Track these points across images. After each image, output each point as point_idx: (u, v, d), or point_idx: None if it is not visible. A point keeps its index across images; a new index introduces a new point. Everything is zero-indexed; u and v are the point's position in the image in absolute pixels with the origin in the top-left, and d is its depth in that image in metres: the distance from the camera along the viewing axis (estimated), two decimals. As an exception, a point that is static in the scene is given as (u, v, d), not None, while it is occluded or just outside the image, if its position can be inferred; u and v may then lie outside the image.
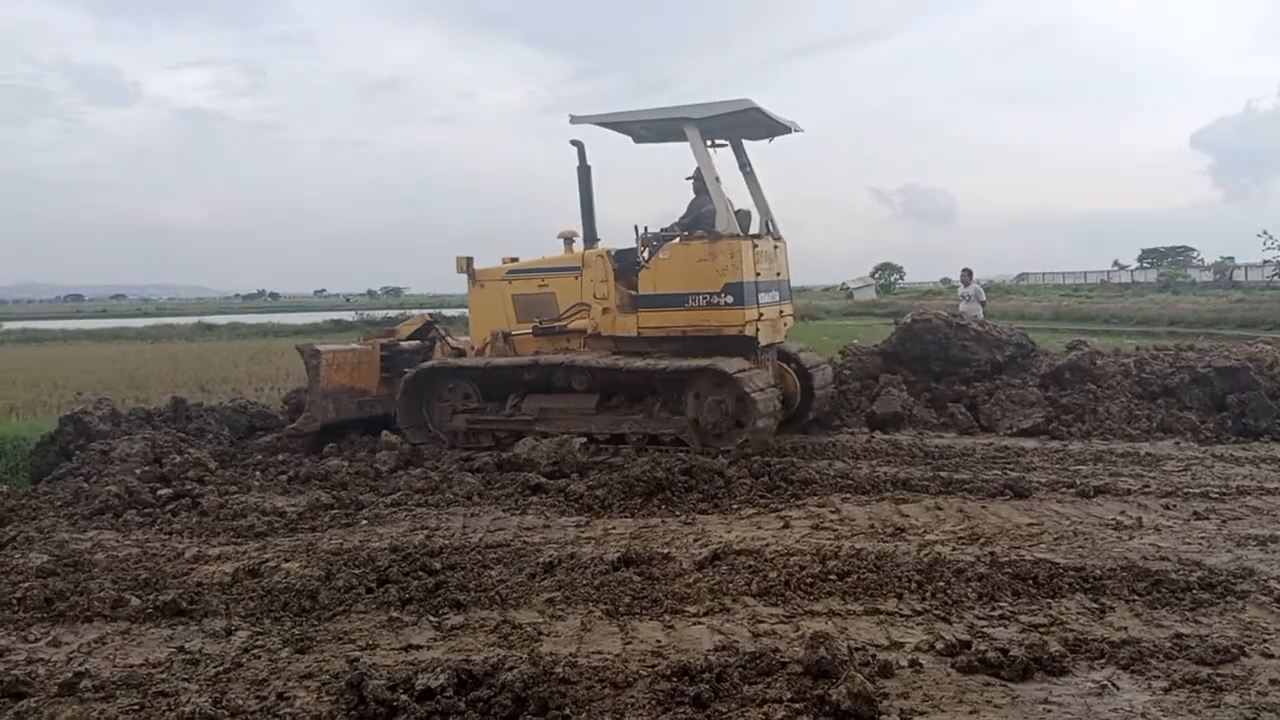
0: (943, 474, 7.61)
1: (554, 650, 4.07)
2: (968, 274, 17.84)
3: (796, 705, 3.45)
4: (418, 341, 10.95)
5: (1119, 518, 6.15)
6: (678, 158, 9.76)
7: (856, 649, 3.94)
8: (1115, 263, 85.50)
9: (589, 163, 9.85)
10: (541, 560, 5.36)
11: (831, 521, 6.27)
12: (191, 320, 49.54)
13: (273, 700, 3.68)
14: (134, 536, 6.42)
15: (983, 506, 6.58)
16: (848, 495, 7.00)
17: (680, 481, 7.20)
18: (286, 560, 5.52)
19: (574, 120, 9.44)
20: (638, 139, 10.05)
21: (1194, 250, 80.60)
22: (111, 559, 5.75)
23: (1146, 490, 6.97)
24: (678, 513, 6.66)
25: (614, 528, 6.31)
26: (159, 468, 8.35)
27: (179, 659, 4.18)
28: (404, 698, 3.53)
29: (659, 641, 4.21)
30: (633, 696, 3.60)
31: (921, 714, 3.46)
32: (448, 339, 10.67)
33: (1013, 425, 9.79)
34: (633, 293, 9.34)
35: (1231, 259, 65.23)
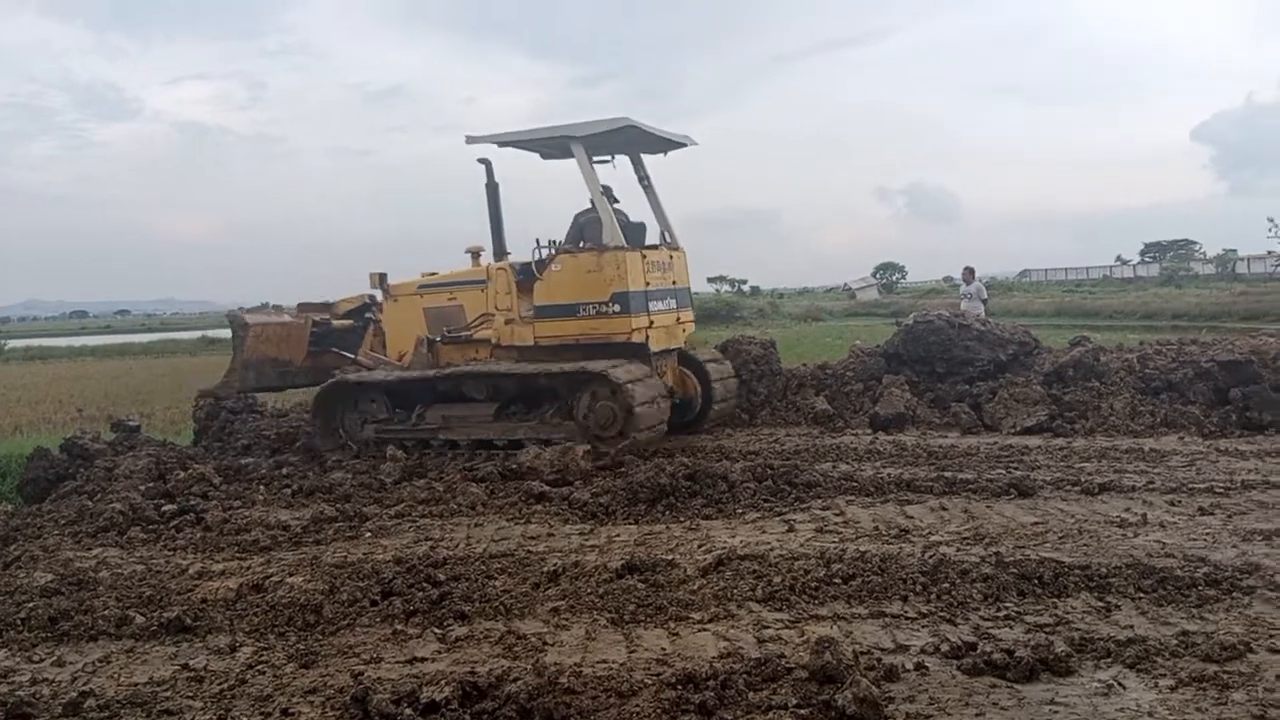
0: (947, 474, 7.59)
1: (559, 660, 4.06)
2: (970, 272, 17.85)
3: (802, 711, 3.44)
4: (350, 321, 11.20)
5: (1124, 515, 6.13)
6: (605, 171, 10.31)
7: (862, 653, 3.93)
8: (1118, 258, 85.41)
9: (497, 179, 10.16)
10: (546, 569, 5.35)
11: (836, 524, 6.26)
12: (195, 335, 49.65)
13: (277, 716, 3.68)
14: (138, 553, 6.42)
15: (987, 506, 6.57)
16: (852, 497, 6.99)
17: (684, 487, 7.19)
18: (290, 575, 5.52)
19: (470, 140, 9.79)
20: (545, 156, 10.42)
21: (1196, 244, 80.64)
22: (116, 577, 5.74)
23: (1151, 487, 6.94)
24: (682, 518, 6.65)
25: (618, 535, 6.30)
26: (163, 484, 8.37)
27: (183, 677, 4.17)
28: (408, 712, 3.52)
29: (664, 649, 4.20)
30: (638, 705, 3.59)
31: (927, 718, 3.45)
32: (382, 323, 10.87)
33: (1016, 424, 9.77)
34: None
35: (1234, 251, 65.20)
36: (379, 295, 10.85)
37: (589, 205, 9.79)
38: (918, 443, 9.25)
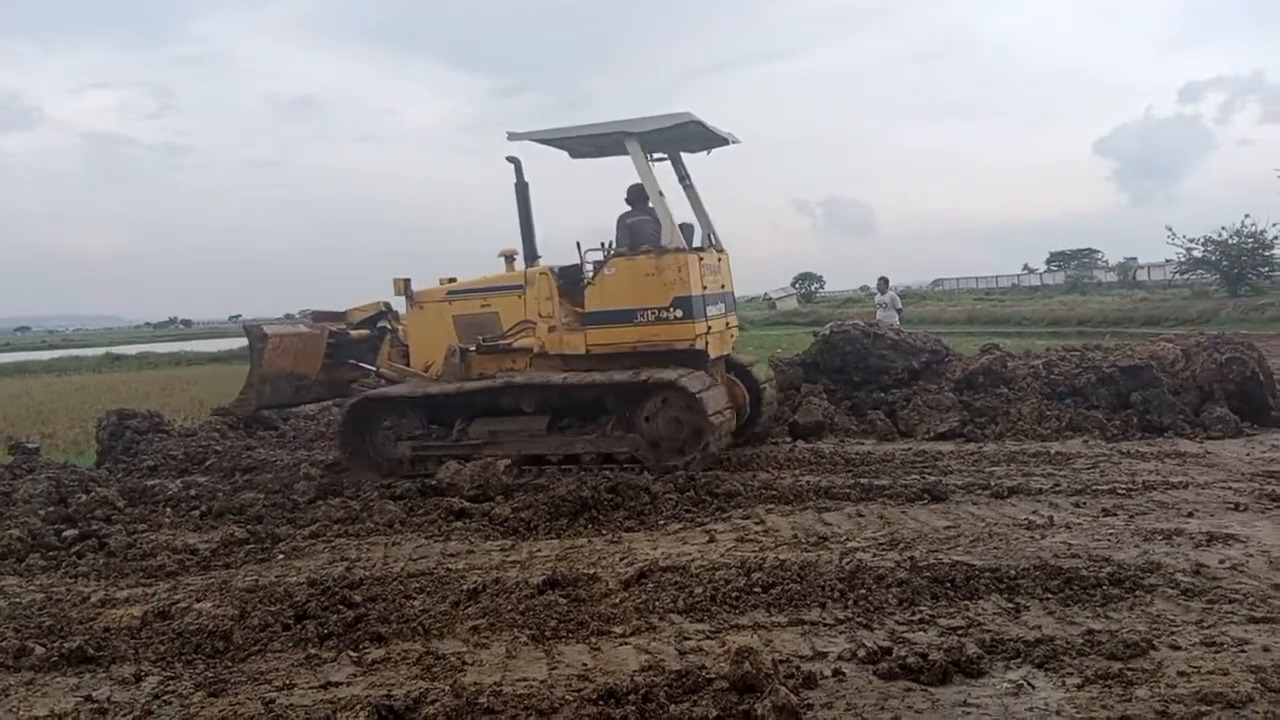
0: (863, 481, 7.73)
1: (478, 680, 4.00)
2: (884, 282, 18.25)
3: (722, 722, 3.45)
4: (366, 331, 10.54)
5: (1031, 517, 6.31)
6: (608, 171, 9.80)
7: (781, 661, 3.96)
8: (1025, 266, 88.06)
9: (526, 179, 9.56)
10: (465, 587, 5.28)
11: (756, 533, 6.31)
12: (99, 351, 47.94)
13: (184, 748, 3.55)
14: (38, 581, 6.17)
15: (902, 511, 6.70)
16: (772, 506, 7.05)
17: (606, 500, 7.18)
18: (198, 600, 5.33)
19: (512, 137, 9.24)
20: (575, 154, 9.93)
21: (1099, 252, 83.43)
22: (14, 606, 5.51)
23: (1057, 489, 7.16)
24: (604, 531, 6.64)
25: (540, 550, 6.25)
26: (64, 508, 8.05)
27: (86, 709, 4.02)
28: (322, 738, 3.44)
29: (585, 665, 4.18)
30: (558, 723, 3.56)
31: (845, 724, 3.49)
32: (398, 332, 10.31)
33: (930, 430, 9.99)
34: (577, 309, 9.25)
35: (1134, 259, 67.76)
36: (400, 303, 10.17)
37: (628, 208, 9.37)
38: (835, 450, 9.39)
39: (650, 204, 9.20)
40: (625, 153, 9.14)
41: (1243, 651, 3.93)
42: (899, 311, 17.57)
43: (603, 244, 9.15)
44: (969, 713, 3.52)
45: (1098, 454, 8.60)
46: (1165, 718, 3.38)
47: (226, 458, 10.57)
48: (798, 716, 3.43)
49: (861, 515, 6.63)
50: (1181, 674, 3.73)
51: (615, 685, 3.79)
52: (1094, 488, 7.14)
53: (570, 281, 9.33)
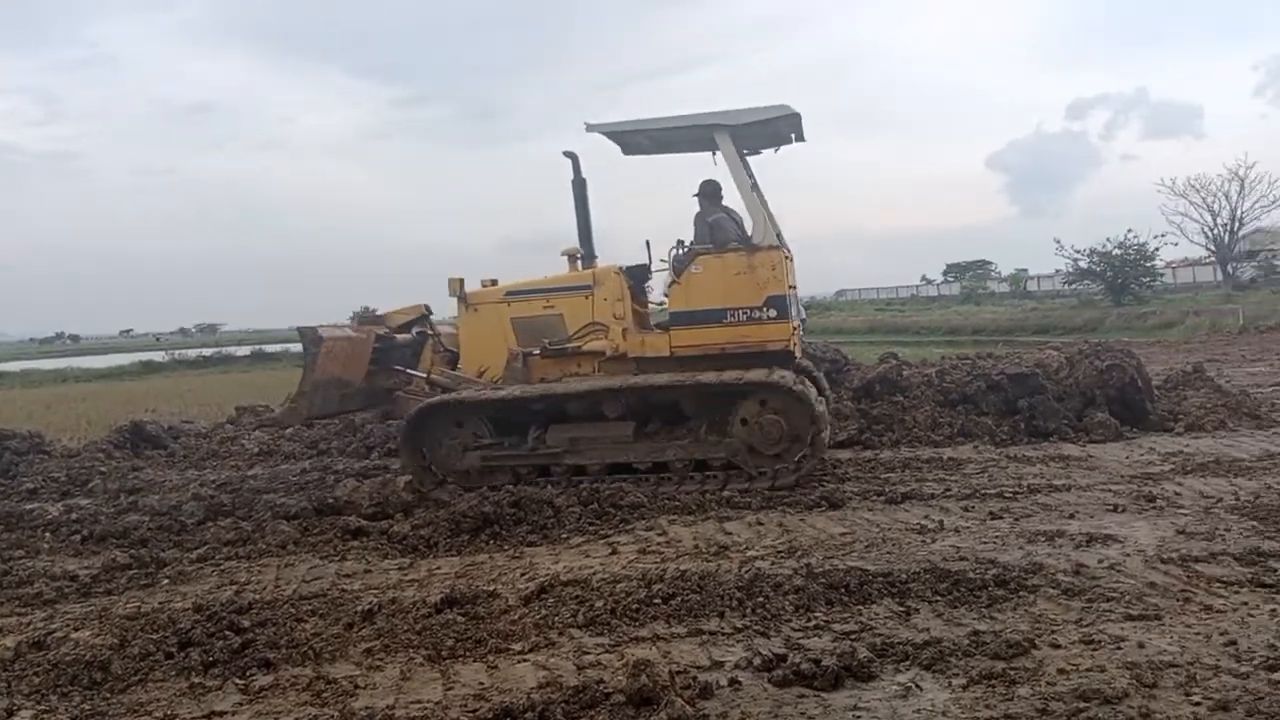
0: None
1: (370, 704, 3.92)
2: (785, 293, 18.51)
3: (618, 736, 3.44)
4: (409, 335, 9.92)
5: (923, 522, 6.48)
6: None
7: (678, 673, 3.97)
8: (923, 277, 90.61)
9: (584, 175, 9.20)
10: (360, 608, 5.15)
11: (658, 544, 6.33)
12: (-21, 369, 45.55)
13: (55, 787, 3.38)
14: (-99, 614, 5.80)
15: (801, 519, 6.81)
16: (674, 517, 7.08)
17: (509, 514, 7.09)
18: (76, 629, 5.10)
19: (590, 128, 8.81)
20: (629, 150, 9.48)
21: (991, 263, 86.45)
22: (-125, 641, 5.18)
23: (948, 494, 7.38)
24: (506, 547, 6.56)
25: (439, 568, 6.15)
26: (-67, 535, 7.60)
27: (-50, 750, 3.81)
28: (204, 770, 3.32)
29: (482, 684, 4.12)
30: (452, 744, 3.51)
31: (739, 733, 3.52)
32: (440, 338, 9.78)
33: (829, 438, 10.17)
34: (643, 311, 9.05)
35: (1025, 270, 70.40)
36: (454, 304, 9.46)
37: (699, 207, 8.98)
38: (737, 460, 9.47)
39: (725, 201, 8.99)
40: (692, 150, 9.01)
41: (1119, 649, 4.09)
42: (803, 321, 17.86)
43: (680, 242, 8.82)
44: (859, 716, 3.59)
45: (987, 459, 8.88)
46: (1045, 715, 3.50)
47: (112, 479, 10.15)
48: (693, 727, 3.45)
49: (761, 524, 6.72)
50: (1061, 672, 3.87)
51: (512, 704, 3.75)
52: (982, 492, 7.38)
53: (636, 282, 9.07)
